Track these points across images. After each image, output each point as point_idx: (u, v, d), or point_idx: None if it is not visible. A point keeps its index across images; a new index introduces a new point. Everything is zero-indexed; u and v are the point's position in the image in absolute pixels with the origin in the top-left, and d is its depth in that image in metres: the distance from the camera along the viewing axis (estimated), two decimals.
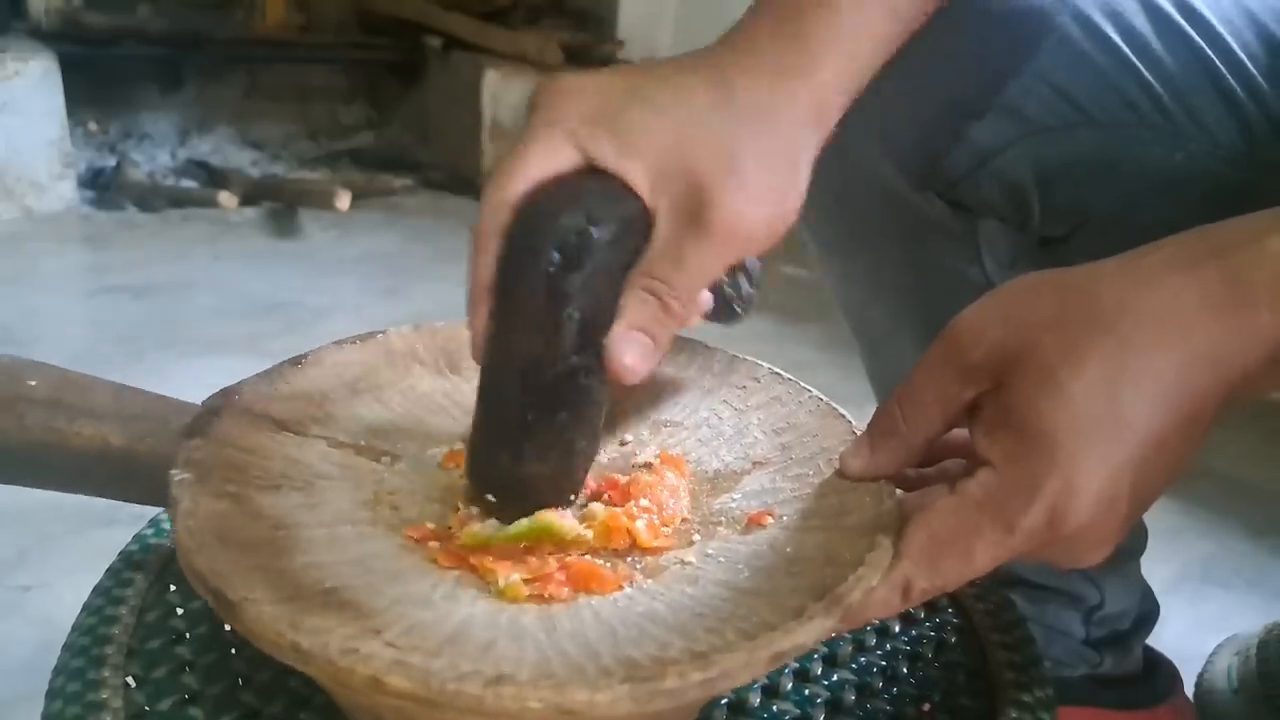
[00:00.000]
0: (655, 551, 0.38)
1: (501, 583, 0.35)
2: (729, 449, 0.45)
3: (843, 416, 0.44)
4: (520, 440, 0.38)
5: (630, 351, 0.38)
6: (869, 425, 0.39)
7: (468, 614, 0.33)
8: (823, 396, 0.45)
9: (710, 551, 0.38)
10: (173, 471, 0.36)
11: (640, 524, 0.38)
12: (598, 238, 0.36)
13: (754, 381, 0.47)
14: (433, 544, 0.38)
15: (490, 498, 0.39)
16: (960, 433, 0.37)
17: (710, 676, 0.29)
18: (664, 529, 0.39)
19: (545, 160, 0.38)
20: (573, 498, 0.40)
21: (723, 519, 0.40)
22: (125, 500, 0.45)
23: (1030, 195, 0.55)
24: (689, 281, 0.38)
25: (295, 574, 0.33)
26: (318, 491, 0.39)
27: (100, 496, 0.45)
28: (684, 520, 0.40)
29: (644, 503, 0.40)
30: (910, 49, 0.47)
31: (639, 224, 0.38)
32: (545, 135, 0.38)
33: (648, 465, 0.44)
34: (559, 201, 0.37)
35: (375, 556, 0.36)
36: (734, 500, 0.41)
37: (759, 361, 0.48)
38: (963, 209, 0.58)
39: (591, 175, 0.38)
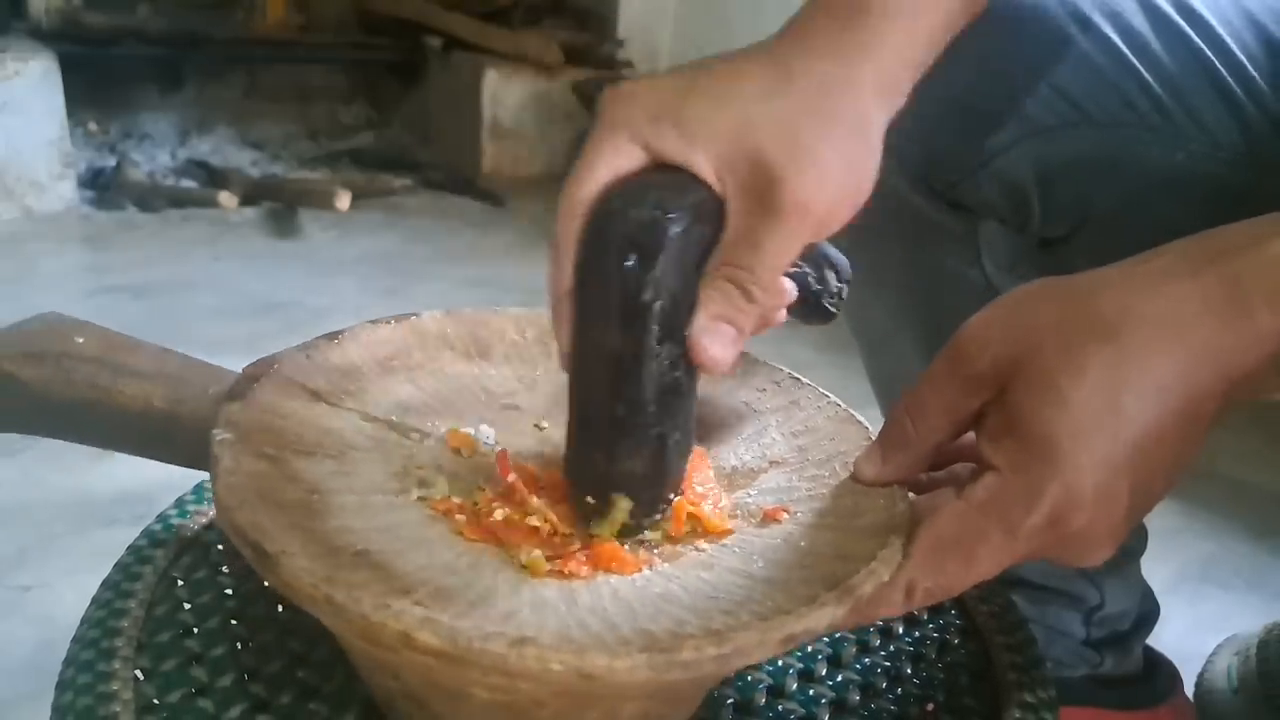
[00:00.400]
0: (725, 533, 0.39)
1: (524, 558, 0.36)
2: (747, 448, 0.45)
3: (859, 422, 0.45)
4: (613, 438, 0.38)
5: (715, 342, 0.37)
6: (880, 434, 0.40)
7: (491, 583, 0.34)
8: (840, 402, 0.46)
9: (726, 542, 0.39)
10: (214, 431, 0.37)
11: (706, 507, 0.40)
12: (670, 228, 0.36)
13: (774, 385, 0.48)
14: (459, 517, 0.39)
15: (589, 499, 0.39)
16: (970, 437, 0.38)
17: (725, 652, 0.30)
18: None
19: (612, 161, 0.38)
20: (672, 496, 0.40)
21: (739, 513, 0.41)
22: (165, 461, 0.46)
23: (1030, 195, 0.55)
24: (767, 265, 0.38)
25: (329, 535, 0.34)
26: (350, 461, 0.40)
27: (141, 455, 0.46)
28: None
29: (699, 489, 0.41)
30: None
31: (710, 211, 0.37)
32: (610, 137, 0.38)
33: None
34: (628, 197, 0.37)
35: (404, 525, 0.37)
36: (750, 496, 0.42)
37: (779, 366, 0.49)
38: (963, 209, 0.58)
39: (659, 170, 0.38)
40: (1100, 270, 0.36)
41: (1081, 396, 0.33)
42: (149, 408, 0.45)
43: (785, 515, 0.40)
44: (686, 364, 0.38)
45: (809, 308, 0.45)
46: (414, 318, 0.48)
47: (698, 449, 0.44)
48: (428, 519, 0.38)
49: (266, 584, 0.46)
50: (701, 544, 0.39)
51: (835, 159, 0.37)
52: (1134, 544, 0.71)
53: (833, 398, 0.47)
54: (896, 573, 0.35)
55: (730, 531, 0.40)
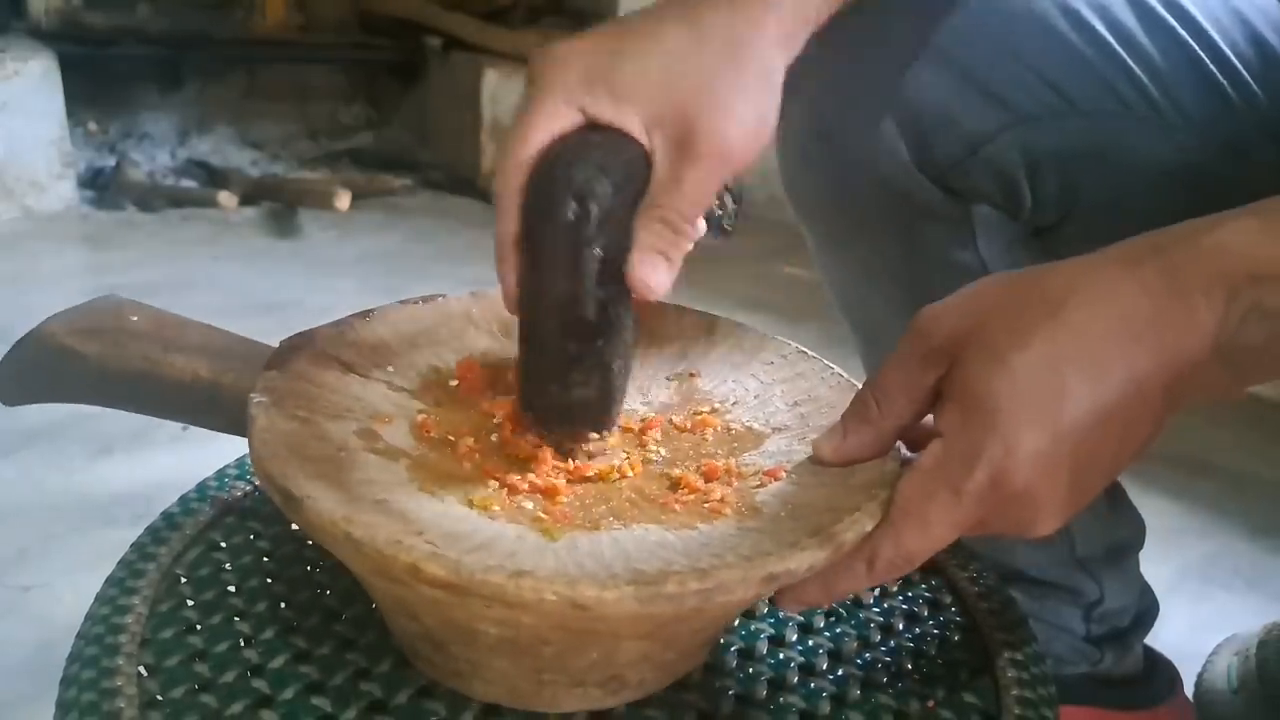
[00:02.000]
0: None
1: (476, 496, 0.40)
2: (751, 415, 0.48)
3: None
4: (566, 371, 0.42)
5: (650, 272, 0.42)
6: (844, 413, 0.41)
7: (498, 531, 0.37)
8: (844, 374, 0.48)
9: (724, 498, 0.41)
10: (252, 395, 0.40)
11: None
12: (608, 183, 0.40)
13: (781, 358, 0.51)
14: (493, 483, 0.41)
15: (542, 428, 0.44)
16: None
17: (707, 587, 0.32)
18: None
19: (550, 123, 0.42)
20: (616, 414, 0.45)
21: (741, 472, 0.44)
22: (211, 428, 0.49)
23: (1020, 183, 0.56)
24: (689, 203, 0.42)
25: (352, 485, 0.37)
26: (376, 424, 0.43)
27: (189, 423, 0.50)
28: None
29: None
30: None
31: (641, 165, 0.42)
32: (547, 101, 0.42)
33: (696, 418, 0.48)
34: (570, 156, 0.41)
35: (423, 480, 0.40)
36: (751, 458, 0.44)
37: (787, 341, 0.51)
38: (956, 195, 0.59)
39: (593, 130, 0.42)
40: (1051, 263, 0.38)
41: (1022, 363, 0.35)
42: (196, 378, 0.48)
43: (783, 474, 0.42)
44: (625, 298, 0.43)
45: (706, 225, 0.49)
46: (441, 298, 0.51)
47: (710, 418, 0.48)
48: (446, 478, 0.41)
49: (269, 579, 0.47)
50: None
51: (746, 107, 0.42)
52: (1130, 538, 0.71)
53: (836, 369, 0.48)
54: (857, 546, 0.36)
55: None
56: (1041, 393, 0.35)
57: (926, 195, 0.58)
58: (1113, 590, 0.70)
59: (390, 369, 0.47)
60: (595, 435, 0.44)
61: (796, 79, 0.51)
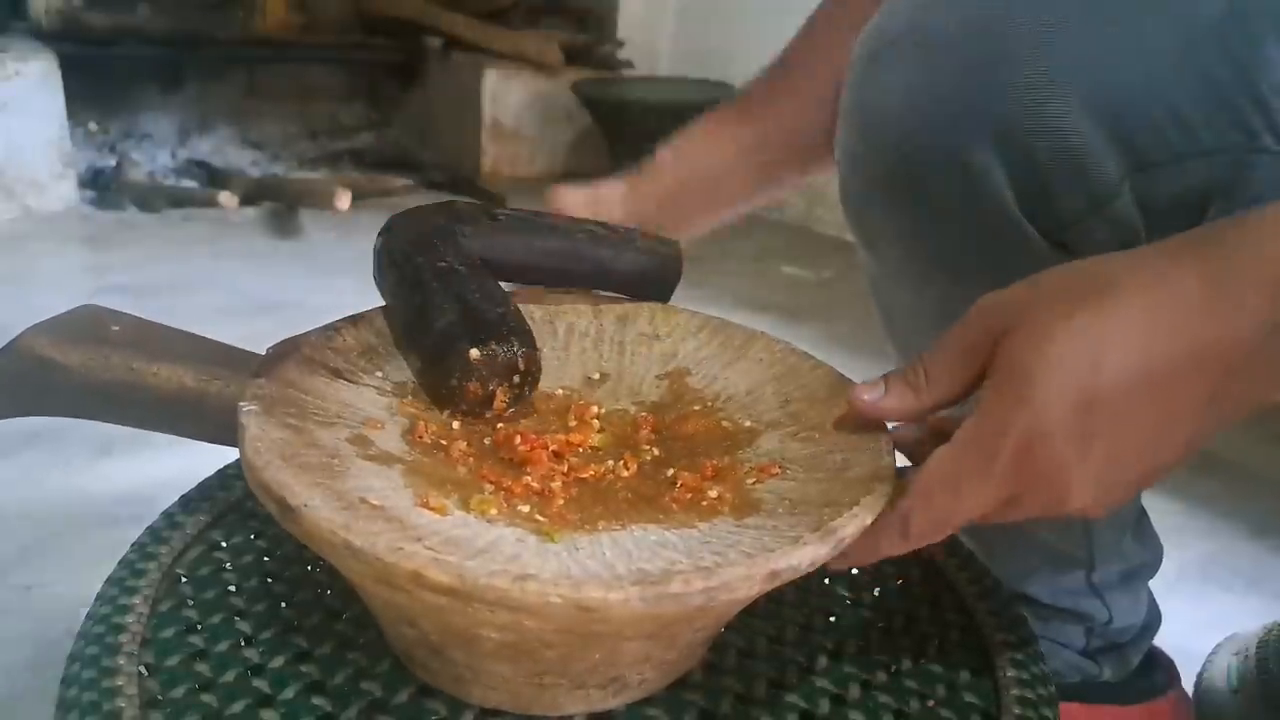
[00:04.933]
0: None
1: (475, 500, 0.40)
2: (743, 412, 0.48)
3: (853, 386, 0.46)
4: (420, 316, 0.45)
5: None
6: (889, 372, 0.42)
7: (498, 535, 0.37)
8: (835, 369, 0.48)
9: (721, 495, 0.42)
10: (241, 404, 0.40)
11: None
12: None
13: (770, 354, 0.50)
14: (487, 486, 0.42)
15: (431, 388, 0.45)
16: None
17: (712, 585, 0.33)
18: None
19: None
20: (520, 354, 0.45)
21: (734, 470, 0.44)
22: (197, 438, 0.49)
23: (1139, 236, 0.51)
24: None
25: (347, 493, 0.36)
26: (368, 430, 0.43)
27: (173, 433, 0.49)
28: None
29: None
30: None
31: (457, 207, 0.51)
32: None
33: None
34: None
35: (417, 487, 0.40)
36: (744, 455, 0.45)
37: (777, 338, 0.51)
38: (1065, 250, 0.53)
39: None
40: (1104, 255, 0.39)
41: (1064, 341, 0.35)
42: (181, 388, 0.48)
43: (778, 471, 0.43)
44: (466, 263, 0.48)
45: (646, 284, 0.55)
46: None
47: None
48: (440, 483, 0.41)
49: (270, 579, 0.47)
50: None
51: None
52: (1149, 563, 0.70)
53: (828, 365, 0.48)
54: (894, 509, 0.37)
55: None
56: (1078, 365, 0.35)
57: (1032, 248, 0.53)
58: (1121, 611, 0.69)
59: (379, 374, 0.46)
60: (497, 355, 0.44)
61: (877, 76, 0.49)
